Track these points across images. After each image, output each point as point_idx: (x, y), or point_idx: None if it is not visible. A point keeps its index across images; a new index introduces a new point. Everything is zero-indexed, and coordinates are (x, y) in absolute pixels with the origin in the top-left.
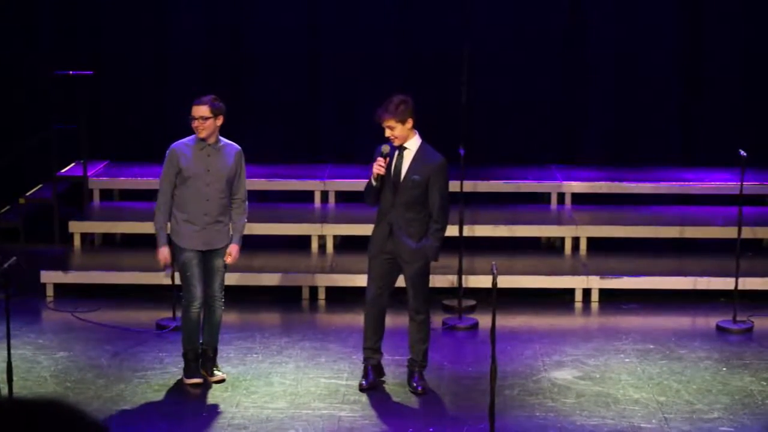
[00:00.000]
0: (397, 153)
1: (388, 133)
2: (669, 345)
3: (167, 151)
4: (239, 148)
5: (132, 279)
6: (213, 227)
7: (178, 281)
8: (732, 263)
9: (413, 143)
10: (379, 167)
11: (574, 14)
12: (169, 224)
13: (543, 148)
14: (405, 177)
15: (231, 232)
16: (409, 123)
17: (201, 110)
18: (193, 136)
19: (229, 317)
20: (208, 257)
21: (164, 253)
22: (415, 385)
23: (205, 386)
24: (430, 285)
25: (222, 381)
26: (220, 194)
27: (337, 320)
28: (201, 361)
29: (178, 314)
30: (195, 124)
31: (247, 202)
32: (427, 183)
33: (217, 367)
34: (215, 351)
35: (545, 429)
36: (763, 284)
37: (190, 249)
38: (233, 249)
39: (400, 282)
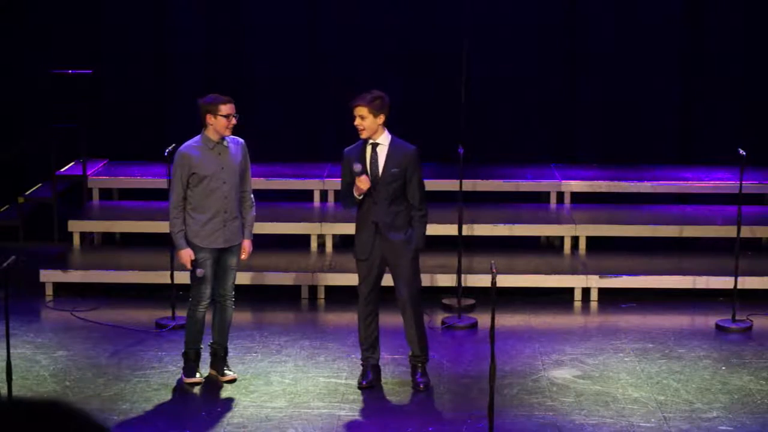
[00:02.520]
0: (370, 150)
1: (357, 121)
2: (668, 344)
3: (176, 155)
4: (242, 141)
5: (131, 278)
6: (232, 224)
7: (177, 280)
8: (731, 262)
9: (384, 139)
10: (363, 183)
11: (574, 12)
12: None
13: (542, 147)
14: (383, 172)
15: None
16: (381, 119)
17: (234, 107)
18: (197, 138)
19: None
20: (222, 256)
21: (188, 254)
22: (418, 381)
23: (205, 385)
24: (430, 284)
25: (233, 381)
26: (235, 190)
27: (336, 319)
28: (212, 361)
29: (178, 313)
30: (233, 121)
31: (252, 195)
32: (405, 173)
33: (227, 366)
34: (226, 351)
35: (544, 428)
36: (762, 283)
37: (208, 249)
38: (246, 244)
39: (388, 281)
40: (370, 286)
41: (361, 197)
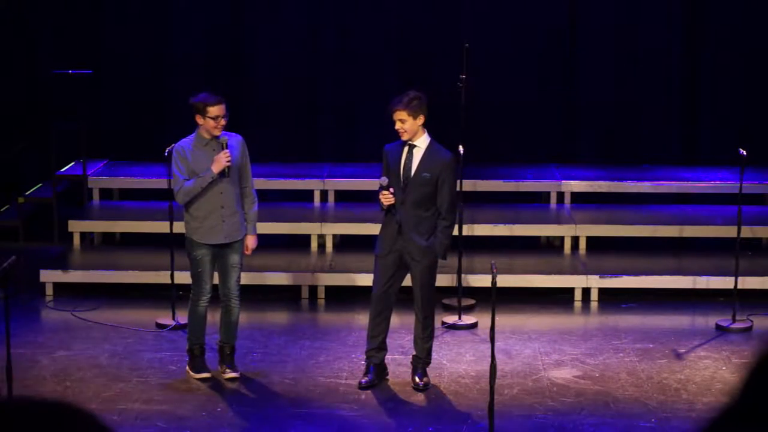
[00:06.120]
0: (407, 150)
1: (398, 125)
2: (668, 344)
3: (173, 152)
4: (241, 137)
5: (131, 278)
6: (231, 219)
7: (177, 280)
8: (731, 262)
9: (423, 141)
10: (386, 199)
11: (574, 12)
12: (184, 221)
13: (542, 147)
14: (415, 174)
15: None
16: (421, 119)
17: (224, 108)
18: (191, 136)
19: None
20: (224, 253)
21: (219, 156)
22: (417, 380)
23: (205, 385)
24: None
25: (235, 379)
26: (233, 186)
27: (336, 319)
28: (219, 358)
29: (178, 313)
30: (221, 122)
31: (255, 190)
32: (436, 180)
33: (232, 365)
34: (232, 349)
35: (544, 428)
36: (762, 283)
37: (208, 245)
38: (250, 240)
39: (407, 281)
40: (382, 288)
41: (386, 209)
